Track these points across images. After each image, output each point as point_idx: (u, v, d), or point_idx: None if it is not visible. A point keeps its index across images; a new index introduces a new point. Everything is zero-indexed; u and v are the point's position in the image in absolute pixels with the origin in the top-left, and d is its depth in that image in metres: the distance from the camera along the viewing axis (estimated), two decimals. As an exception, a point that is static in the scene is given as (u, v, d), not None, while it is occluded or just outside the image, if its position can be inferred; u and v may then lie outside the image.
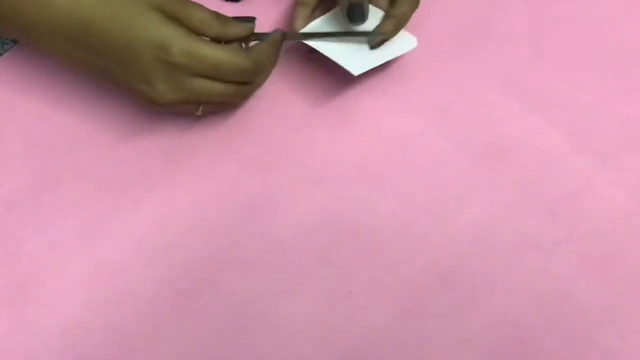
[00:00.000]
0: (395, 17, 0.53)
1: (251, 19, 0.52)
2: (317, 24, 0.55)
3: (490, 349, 0.48)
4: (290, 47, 0.57)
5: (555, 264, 0.50)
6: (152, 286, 0.50)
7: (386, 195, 0.53)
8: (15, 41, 0.58)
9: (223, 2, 0.60)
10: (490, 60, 0.58)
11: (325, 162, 0.54)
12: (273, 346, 0.48)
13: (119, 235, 0.51)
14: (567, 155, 0.54)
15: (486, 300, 0.49)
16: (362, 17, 0.52)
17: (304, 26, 0.54)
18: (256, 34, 0.52)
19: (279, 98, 0.56)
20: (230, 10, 0.58)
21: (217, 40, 0.49)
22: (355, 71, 0.52)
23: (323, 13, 0.55)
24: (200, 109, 0.50)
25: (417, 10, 0.55)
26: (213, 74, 0.48)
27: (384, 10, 0.55)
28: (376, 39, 0.53)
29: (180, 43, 0.46)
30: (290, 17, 0.56)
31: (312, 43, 0.53)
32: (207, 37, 0.49)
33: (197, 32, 0.48)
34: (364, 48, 0.54)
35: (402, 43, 0.55)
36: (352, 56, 0.53)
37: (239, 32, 0.50)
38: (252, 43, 0.52)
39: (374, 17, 0.54)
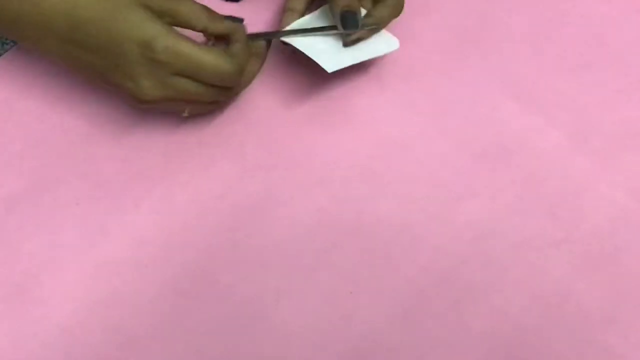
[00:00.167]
0: (373, 17, 0.54)
1: (239, 20, 0.52)
2: (304, 21, 0.55)
3: (490, 349, 0.48)
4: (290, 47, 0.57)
5: (555, 264, 0.50)
6: (152, 286, 0.50)
7: (386, 195, 0.53)
8: (15, 41, 0.58)
9: (223, 2, 0.60)
10: (490, 60, 0.58)
11: (325, 162, 0.54)
12: (273, 346, 0.48)
13: (119, 235, 0.51)
14: (567, 155, 0.54)
15: (486, 300, 0.49)
16: (356, 24, 0.53)
17: None
18: (251, 34, 0.53)
19: (279, 98, 0.56)
20: (230, 11, 0.58)
21: (204, 32, 0.50)
22: (329, 68, 0.52)
23: None
24: (187, 110, 0.50)
25: (417, 10, 0.55)
26: (195, 74, 0.48)
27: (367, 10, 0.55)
28: (350, 38, 0.53)
29: (164, 40, 0.46)
30: (279, 23, 0.56)
31: (290, 39, 0.54)
32: (195, 29, 0.49)
33: (184, 25, 0.49)
34: (341, 47, 0.54)
35: (383, 43, 0.55)
36: (329, 53, 0.53)
37: (226, 28, 0.50)
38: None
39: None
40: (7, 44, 0.58)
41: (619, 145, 0.54)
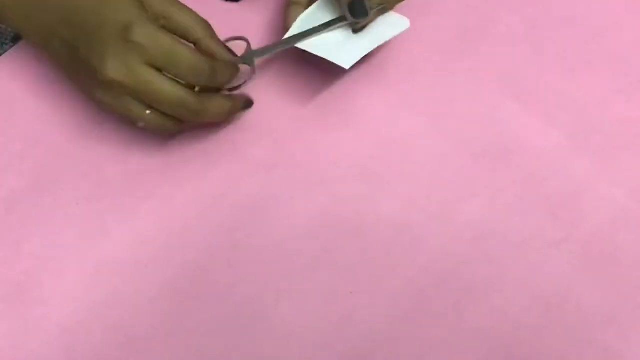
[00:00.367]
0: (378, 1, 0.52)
1: (244, 39, 0.52)
2: (309, 13, 0.53)
3: (490, 349, 0.48)
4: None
5: (555, 264, 0.50)
6: (152, 286, 0.50)
7: (386, 195, 0.53)
8: (15, 41, 0.58)
9: (223, 2, 0.60)
10: (491, 60, 0.58)
11: (325, 162, 0.54)
12: (273, 346, 0.48)
13: (119, 235, 0.51)
14: (567, 155, 0.54)
15: (486, 300, 0.49)
16: (365, 12, 0.51)
17: None
18: (258, 50, 0.53)
19: (279, 98, 0.56)
20: (230, 10, 0.58)
21: (196, 44, 0.49)
22: (346, 64, 0.51)
23: None
24: (145, 118, 0.48)
25: (418, 10, 0.54)
26: (167, 64, 0.47)
27: None
28: (360, 24, 0.52)
29: (144, 26, 0.46)
30: (283, 17, 0.55)
31: (299, 44, 0.52)
32: (187, 39, 0.49)
33: (178, 32, 0.49)
34: (352, 37, 0.53)
35: (393, 25, 0.53)
36: (341, 48, 0.52)
37: (219, 48, 0.50)
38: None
39: None
40: (6, 44, 0.58)
41: (619, 145, 0.54)
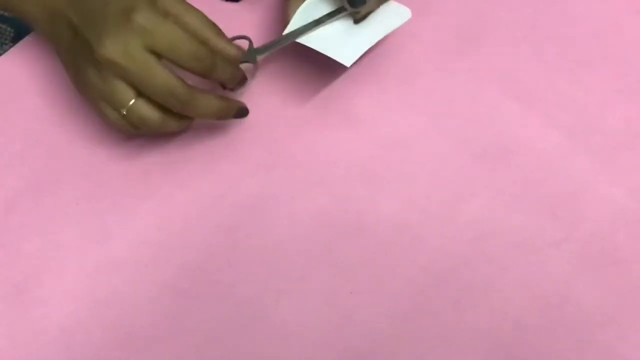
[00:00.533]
0: None
1: (246, 37, 0.52)
2: (308, 4, 0.53)
3: (490, 349, 0.48)
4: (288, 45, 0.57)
5: (555, 264, 0.50)
6: (152, 286, 0.50)
7: (386, 195, 0.53)
8: (15, 41, 0.58)
9: (223, 1, 0.60)
10: (491, 60, 0.58)
11: (325, 162, 0.54)
12: (273, 346, 0.48)
13: (119, 235, 0.51)
14: (567, 155, 0.54)
15: (486, 300, 0.49)
16: (363, 0, 0.51)
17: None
18: (259, 47, 0.53)
19: (279, 98, 0.56)
20: (229, 10, 0.58)
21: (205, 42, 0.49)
22: (347, 61, 0.50)
23: None
24: (132, 102, 0.47)
25: (418, 10, 0.54)
26: (168, 49, 0.46)
27: None
28: (360, 14, 0.51)
29: (149, 10, 0.46)
30: (282, 12, 0.54)
31: (299, 40, 0.52)
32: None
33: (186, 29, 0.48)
34: (353, 31, 0.52)
35: (394, 16, 0.53)
36: (341, 44, 0.51)
37: (227, 46, 0.49)
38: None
39: None
40: (6, 44, 0.58)
41: (619, 145, 0.54)
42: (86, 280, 0.50)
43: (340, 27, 0.53)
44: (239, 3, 0.60)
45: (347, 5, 0.52)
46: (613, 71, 0.57)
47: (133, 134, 0.50)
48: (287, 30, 0.52)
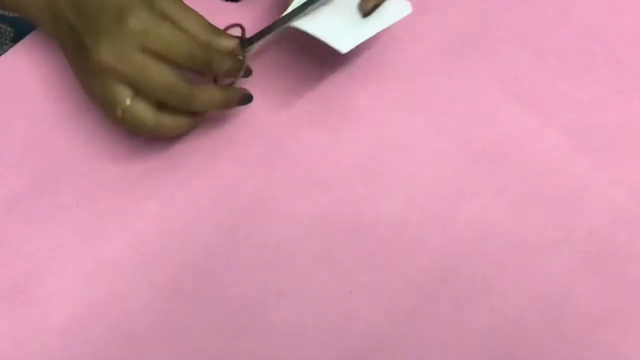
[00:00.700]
0: None
1: (239, 25, 0.51)
2: None
3: (490, 349, 0.48)
4: (288, 43, 0.57)
5: (555, 264, 0.50)
6: (152, 286, 0.50)
7: (386, 195, 0.53)
8: (15, 41, 0.58)
9: (222, 1, 0.60)
10: (491, 60, 0.58)
11: (325, 162, 0.54)
12: (273, 346, 0.48)
13: (119, 235, 0.51)
14: (567, 155, 0.54)
15: (486, 300, 0.49)
16: None
17: None
18: (252, 36, 0.51)
19: (279, 98, 0.56)
20: (229, 10, 0.58)
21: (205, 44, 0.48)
22: (343, 48, 0.49)
23: None
24: (128, 100, 0.47)
25: (418, 10, 0.54)
26: (164, 48, 0.46)
27: None
28: (368, 6, 0.51)
29: (144, 11, 0.46)
30: (282, 5, 0.54)
31: (294, 23, 0.51)
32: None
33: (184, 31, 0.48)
34: (353, 20, 0.51)
35: (394, 10, 0.52)
36: (338, 31, 0.50)
37: (228, 43, 0.49)
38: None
39: None
40: (6, 44, 0.58)
41: (619, 145, 0.54)
42: (86, 280, 0.50)
43: (339, 17, 0.52)
44: (239, 3, 0.60)
45: None
46: (613, 71, 0.57)
47: (138, 132, 0.50)
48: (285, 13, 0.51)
